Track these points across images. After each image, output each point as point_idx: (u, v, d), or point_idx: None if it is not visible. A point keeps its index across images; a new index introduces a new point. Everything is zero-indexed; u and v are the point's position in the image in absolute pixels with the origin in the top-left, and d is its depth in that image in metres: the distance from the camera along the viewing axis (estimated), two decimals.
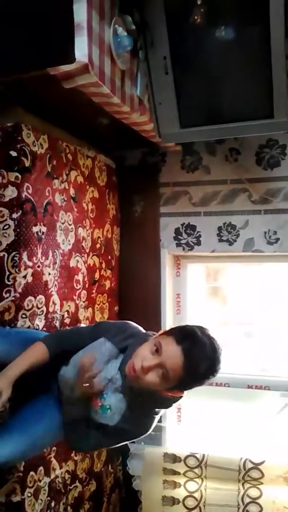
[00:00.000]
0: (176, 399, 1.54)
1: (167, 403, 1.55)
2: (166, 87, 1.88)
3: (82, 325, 1.67)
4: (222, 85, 1.91)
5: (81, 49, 1.43)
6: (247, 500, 2.34)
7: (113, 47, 1.60)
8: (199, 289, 2.93)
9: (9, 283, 1.72)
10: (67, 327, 2.07)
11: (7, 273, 1.71)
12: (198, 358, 1.37)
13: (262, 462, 2.31)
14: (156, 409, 1.56)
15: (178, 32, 1.79)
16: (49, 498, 1.94)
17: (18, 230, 1.73)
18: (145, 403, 1.51)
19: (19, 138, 1.73)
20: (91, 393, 1.53)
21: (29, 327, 1.80)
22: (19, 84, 1.66)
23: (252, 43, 1.80)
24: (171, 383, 1.40)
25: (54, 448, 1.95)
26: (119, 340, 1.56)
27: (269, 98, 1.82)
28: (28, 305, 1.79)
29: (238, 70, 1.85)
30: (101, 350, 1.54)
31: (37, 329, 1.86)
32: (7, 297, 1.71)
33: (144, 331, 1.64)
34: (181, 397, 1.53)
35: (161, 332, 1.50)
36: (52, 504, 1.96)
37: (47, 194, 1.90)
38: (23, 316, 1.77)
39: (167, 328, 1.52)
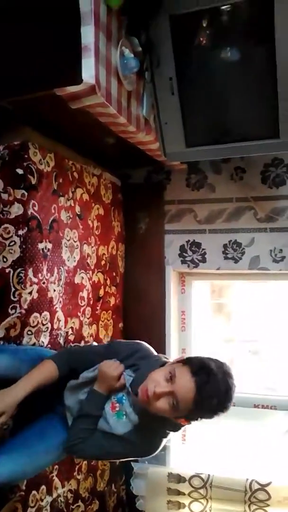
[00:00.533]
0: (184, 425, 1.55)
1: (176, 427, 1.56)
2: (172, 107, 1.91)
3: (94, 343, 1.67)
4: (228, 105, 1.93)
5: (88, 71, 1.45)
6: None
7: (120, 69, 1.62)
8: (204, 306, 2.93)
9: (14, 299, 1.72)
10: (71, 344, 2.07)
11: (13, 289, 1.72)
12: (210, 394, 1.37)
13: (269, 483, 2.27)
14: (166, 431, 1.57)
15: (184, 53, 1.81)
16: None
17: (24, 246, 1.74)
18: (155, 422, 1.52)
19: (26, 156, 1.76)
20: (114, 387, 1.55)
21: (34, 344, 1.80)
22: (27, 104, 1.68)
23: (257, 64, 1.82)
24: (179, 413, 1.41)
25: (57, 466, 1.93)
26: (132, 363, 1.57)
27: (275, 118, 1.83)
28: (33, 322, 1.80)
29: (243, 90, 1.87)
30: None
31: (42, 346, 1.85)
32: (12, 314, 1.72)
33: (155, 353, 1.64)
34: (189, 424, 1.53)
35: (178, 358, 1.51)
36: None
37: (53, 211, 1.91)
38: (29, 332, 1.78)
39: (185, 356, 1.54)
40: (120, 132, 1.83)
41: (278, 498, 2.26)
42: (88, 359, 1.62)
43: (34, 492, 1.79)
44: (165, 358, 1.61)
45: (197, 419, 1.47)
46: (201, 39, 1.79)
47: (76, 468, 2.10)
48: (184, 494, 2.39)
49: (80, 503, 2.14)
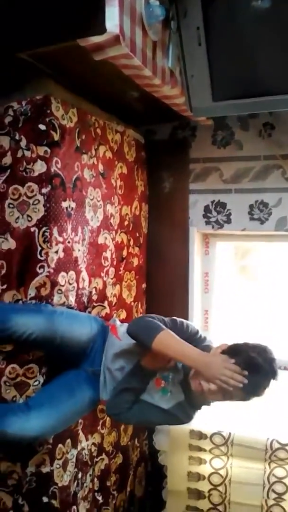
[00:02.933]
0: None
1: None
2: (199, 59, 1.82)
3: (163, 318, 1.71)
4: (257, 57, 1.83)
5: (112, 20, 1.39)
6: (273, 479, 2.33)
7: (145, 17, 1.55)
8: (228, 268, 2.90)
9: (42, 258, 1.73)
10: (95, 304, 2.08)
11: (39, 248, 1.72)
12: (259, 388, 1.54)
13: None
14: (203, 405, 1.71)
15: (211, 1, 1.72)
16: (76, 470, 1.98)
17: (48, 205, 1.73)
18: (198, 400, 1.66)
19: (48, 111, 1.72)
20: (162, 368, 1.63)
21: (64, 303, 1.82)
22: (49, 56, 1.63)
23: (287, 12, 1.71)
24: (228, 400, 1.58)
25: (81, 420, 1.98)
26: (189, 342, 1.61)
27: None
28: (62, 281, 1.80)
29: (274, 41, 1.77)
30: None
31: (71, 306, 1.87)
32: (41, 273, 1.72)
33: (196, 329, 1.73)
34: None
35: (223, 346, 1.60)
36: (79, 475, 2.01)
37: (76, 169, 1.88)
38: (59, 291, 1.79)
39: (229, 344, 1.62)
40: (145, 85, 1.77)
41: None
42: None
43: (60, 445, 1.85)
44: (209, 341, 1.72)
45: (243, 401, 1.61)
46: None
47: (100, 423, 2.15)
48: (205, 450, 2.43)
49: (104, 456, 2.21)
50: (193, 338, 1.66)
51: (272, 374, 1.54)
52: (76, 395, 1.67)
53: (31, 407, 1.63)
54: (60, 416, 1.61)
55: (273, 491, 2.33)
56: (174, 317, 1.71)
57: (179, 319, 1.71)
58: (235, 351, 1.56)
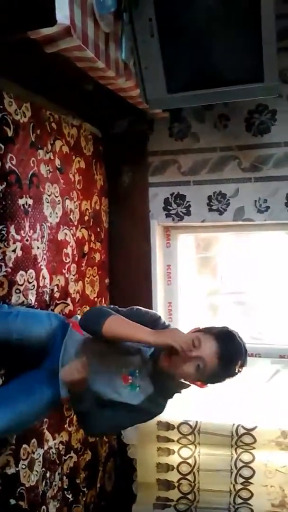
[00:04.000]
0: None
1: (183, 388, 1.66)
2: (152, 50, 1.80)
3: (118, 308, 1.68)
4: (210, 47, 1.83)
5: (62, 11, 1.36)
6: (240, 464, 2.39)
7: (96, 8, 1.52)
8: (189, 260, 2.92)
9: None
10: (57, 301, 2.05)
11: None
12: (233, 358, 1.52)
13: (254, 428, 2.35)
14: (174, 393, 1.67)
15: None
16: (44, 469, 1.96)
17: (3, 202, 1.68)
18: (169, 388, 1.64)
19: (1, 106, 1.67)
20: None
21: (23, 302, 1.78)
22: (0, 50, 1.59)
23: (241, 4, 1.72)
24: (202, 376, 1.53)
25: (47, 420, 1.96)
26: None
27: (259, 61, 1.75)
28: (20, 280, 1.76)
29: (226, 32, 1.78)
30: None
31: (30, 304, 1.84)
32: None
33: (157, 316, 1.69)
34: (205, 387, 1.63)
35: (196, 328, 1.59)
36: (48, 474, 1.99)
37: (32, 165, 1.84)
38: (17, 291, 1.75)
39: (201, 326, 1.61)
40: (99, 77, 1.74)
41: (263, 442, 2.35)
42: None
43: (24, 445, 1.83)
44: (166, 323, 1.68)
45: (214, 382, 1.58)
46: None
47: (68, 421, 2.14)
48: (173, 441, 2.47)
49: (72, 454, 2.20)
50: (155, 324, 1.62)
51: (243, 348, 1.54)
52: (34, 394, 1.60)
53: None
54: (15, 417, 1.53)
55: (241, 475, 2.39)
56: (133, 306, 1.69)
57: (136, 307, 1.68)
58: (208, 329, 1.56)
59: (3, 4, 1.39)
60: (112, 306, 1.68)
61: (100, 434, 2.08)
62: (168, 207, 2.55)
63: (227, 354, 1.50)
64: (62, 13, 1.36)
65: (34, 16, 1.40)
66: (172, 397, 1.68)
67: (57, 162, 2.04)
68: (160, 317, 1.70)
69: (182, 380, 1.60)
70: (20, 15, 1.41)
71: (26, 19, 1.42)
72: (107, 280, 2.59)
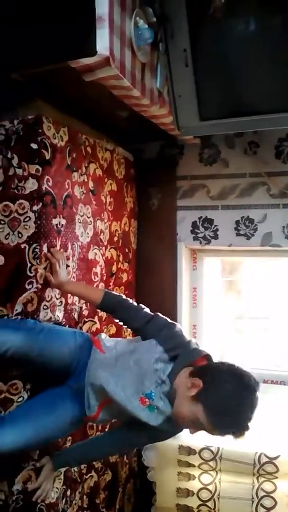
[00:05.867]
0: None
1: None
2: (186, 79, 1.87)
3: (146, 309, 1.71)
4: (242, 77, 1.89)
5: (103, 42, 1.43)
6: (261, 493, 2.34)
7: (134, 40, 1.60)
8: (215, 283, 2.93)
9: (31, 274, 1.73)
10: (85, 319, 2.09)
11: (29, 264, 1.73)
12: (227, 433, 1.50)
13: (278, 457, 2.31)
14: None
15: (198, 24, 1.78)
16: (64, 487, 1.96)
17: (38, 222, 1.74)
18: None
19: (40, 130, 1.74)
20: None
21: (50, 318, 1.82)
22: (40, 76, 1.67)
23: (273, 35, 1.78)
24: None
25: (70, 438, 1.97)
26: (170, 347, 1.59)
27: None
28: (48, 296, 1.81)
29: (258, 62, 1.83)
30: (151, 349, 1.59)
31: (58, 321, 1.87)
32: (29, 288, 1.73)
33: (187, 339, 1.66)
34: None
35: (202, 358, 1.58)
36: (68, 492, 1.99)
37: (67, 186, 1.91)
38: (45, 307, 1.79)
39: (208, 357, 1.60)
40: (134, 105, 1.81)
41: (286, 471, 2.29)
42: (129, 318, 1.69)
43: None
44: (196, 344, 1.65)
45: None
46: (216, 9, 1.74)
47: None
48: (194, 466, 2.43)
49: (93, 473, 2.20)
50: (176, 341, 1.62)
51: (244, 419, 1.48)
52: (57, 411, 1.63)
53: (6, 421, 1.60)
54: (35, 432, 1.56)
55: (262, 505, 2.34)
56: (160, 315, 1.70)
57: (159, 316, 1.69)
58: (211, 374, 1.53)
59: (48, 33, 1.47)
60: (139, 305, 1.73)
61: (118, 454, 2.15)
62: (196, 230, 2.59)
63: (221, 431, 1.50)
64: (102, 44, 1.44)
65: (76, 46, 1.47)
66: None
67: (90, 184, 2.11)
68: (179, 335, 1.65)
69: None
70: (62, 45, 1.49)
71: (67, 49, 1.49)
72: (133, 300, 2.62)
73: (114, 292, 1.81)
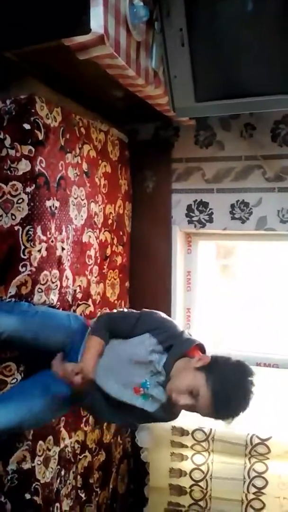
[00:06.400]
0: None
1: None
2: (182, 59, 1.84)
3: (129, 310, 1.73)
4: (239, 58, 1.86)
5: (97, 20, 1.40)
6: (253, 474, 2.38)
7: (129, 18, 1.56)
8: (209, 267, 2.93)
9: (24, 257, 1.73)
10: (79, 302, 2.09)
11: (22, 247, 1.72)
12: (226, 418, 1.53)
13: (269, 438, 2.34)
14: None
15: (195, 3, 1.74)
16: (59, 467, 1.99)
17: (32, 204, 1.73)
18: None
19: (33, 110, 1.72)
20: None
21: (44, 301, 1.82)
22: (34, 55, 1.64)
23: (270, 15, 1.74)
24: (201, 413, 1.55)
25: (63, 418, 1.99)
26: (163, 338, 1.61)
27: (287, 73, 1.77)
28: (43, 280, 1.80)
29: (255, 43, 1.80)
30: (145, 343, 1.60)
31: (52, 304, 1.87)
32: (23, 271, 1.73)
33: (180, 329, 1.68)
34: None
35: (205, 361, 1.55)
36: (62, 472, 2.01)
37: (60, 168, 1.89)
38: (39, 290, 1.79)
39: (215, 354, 1.59)
40: (129, 85, 1.78)
41: (278, 452, 2.33)
42: (120, 329, 1.67)
43: (40, 442, 1.85)
44: (189, 334, 1.66)
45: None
46: None
47: (84, 420, 2.17)
48: (187, 446, 2.47)
49: (87, 453, 2.22)
50: (170, 333, 1.64)
51: (243, 395, 1.51)
52: (51, 391, 1.63)
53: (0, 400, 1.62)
54: (29, 411, 1.57)
55: (253, 485, 2.38)
56: (149, 312, 1.70)
57: (152, 312, 1.70)
58: (215, 369, 1.53)
59: (41, 11, 1.44)
60: (122, 310, 1.73)
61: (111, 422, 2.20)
62: (191, 213, 2.58)
63: (220, 415, 1.52)
64: (97, 22, 1.40)
65: (70, 24, 1.44)
66: None
67: (84, 166, 2.09)
68: (172, 326, 1.67)
69: None
70: (56, 23, 1.46)
71: (61, 27, 1.46)
72: (127, 284, 2.62)
73: (93, 321, 1.77)
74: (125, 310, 1.74)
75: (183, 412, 1.69)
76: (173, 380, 1.56)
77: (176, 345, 1.60)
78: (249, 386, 1.52)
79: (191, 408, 1.54)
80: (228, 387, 1.49)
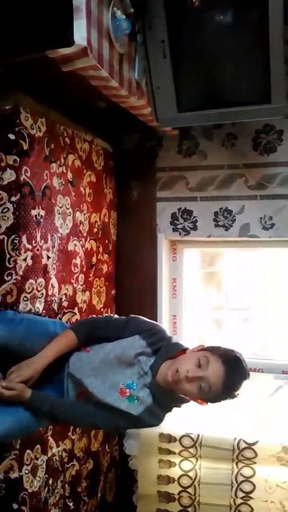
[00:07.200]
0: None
1: (183, 403, 1.65)
2: (164, 71, 1.88)
3: (115, 316, 1.73)
4: (220, 69, 1.91)
5: (80, 32, 1.43)
6: (240, 478, 2.40)
7: (112, 30, 1.60)
8: (195, 275, 2.96)
9: (10, 266, 1.74)
10: (65, 310, 2.10)
11: (8, 256, 1.73)
12: (238, 384, 1.54)
13: (256, 443, 2.36)
14: (173, 406, 1.67)
15: (176, 15, 1.78)
16: (46, 476, 1.98)
17: (17, 213, 1.74)
18: (167, 401, 1.63)
19: (18, 121, 1.74)
20: None
21: (30, 310, 1.83)
22: (18, 67, 1.65)
23: (250, 27, 1.79)
24: (205, 396, 1.53)
25: (51, 427, 1.99)
26: (153, 341, 1.62)
27: (267, 83, 1.81)
28: (29, 288, 1.82)
29: (236, 55, 1.85)
30: (134, 345, 1.60)
31: (38, 312, 1.88)
32: (8, 280, 1.73)
33: (168, 334, 1.69)
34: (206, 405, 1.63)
35: (202, 347, 1.60)
36: (50, 481, 2.01)
37: (45, 177, 1.91)
38: (25, 299, 1.80)
39: (207, 345, 1.62)
40: (112, 96, 1.81)
41: (264, 456, 2.35)
42: (108, 331, 1.67)
43: (28, 451, 1.85)
44: (177, 340, 1.68)
45: (215, 402, 1.58)
46: (194, 0, 1.75)
47: (71, 429, 2.17)
48: (174, 453, 2.48)
49: (75, 462, 2.22)
50: (158, 336, 1.64)
51: (247, 371, 1.56)
52: None
53: None
54: (16, 421, 1.55)
55: (241, 490, 2.40)
56: (131, 316, 1.71)
57: (134, 316, 1.70)
58: (215, 349, 1.57)
59: (25, 23, 1.46)
60: (108, 315, 1.74)
61: (94, 428, 2.18)
62: (175, 221, 2.61)
63: (232, 380, 1.51)
64: (80, 35, 1.43)
65: (53, 36, 1.46)
66: (170, 411, 1.67)
67: (69, 175, 2.11)
68: (160, 330, 1.67)
69: (183, 396, 1.60)
70: (40, 35, 1.48)
71: (45, 39, 1.48)
72: (113, 292, 2.64)
73: (77, 322, 1.79)
74: (112, 315, 1.73)
75: (170, 418, 1.69)
76: (174, 363, 1.55)
77: (164, 348, 1.61)
78: (246, 367, 1.57)
79: (199, 380, 1.49)
80: (234, 354, 1.55)
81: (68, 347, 1.65)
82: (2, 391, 1.51)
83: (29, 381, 1.55)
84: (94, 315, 1.99)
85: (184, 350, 1.63)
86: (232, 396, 1.56)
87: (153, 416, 1.63)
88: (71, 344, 1.65)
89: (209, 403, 1.60)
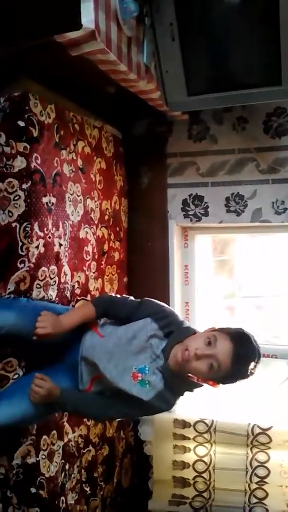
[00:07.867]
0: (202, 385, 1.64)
1: (195, 387, 1.65)
2: (173, 54, 1.85)
3: (131, 297, 1.73)
4: (230, 51, 1.87)
5: (88, 16, 1.42)
6: (255, 464, 2.40)
7: (120, 13, 1.58)
8: (206, 262, 2.95)
9: (22, 253, 1.74)
10: (78, 298, 2.10)
11: (20, 243, 1.74)
12: (247, 359, 1.53)
13: (270, 428, 2.37)
14: (185, 391, 1.67)
15: None
16: (63, 461, 2.01)
17: (28, 200, 1.74)
18: (179, 385, 1.63)
19: (27, 107, 1.73)
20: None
21: (43, 297, 1.84)
22: (26, 53, 1.64)
23: (259, 7, 1.76)
24: (215, 375, 1.52)
25: (66, 413, 2.00)
26: (164, 324, 1.62)
27: (277, 65, 1.78)
28: (41, 276, 1.82)
29: (246, 36, 1.81)
30: (146, 328, 1.61)
31: (51, 299, 1.89)
32: (22, 267, 1.74)
33: (181, 318, 1.70)
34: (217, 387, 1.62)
35: (212, 328, 1.60)
36: (67, 466, 2.04)
37: (56, 164, 1.90)
38: (38, 286, 1.81)
39: (217, 326, 1.62)
40: (121, 80, 1.80)
41: (279, 441, 2.36)
42: (124, 311, 1.69)
43: (44, 436, 1.87)
44: (193, 328, 1.67)
45: (226, 382, 1.57)
46: None
47: None
48: (189, 438, 2.49)
49: (91, 447, 2.24)
50: (170, 319, 1.65)
51: (258, 354, 1.55)
52: None
53: (2, 396, 1.64)
54: (32, 406, 1.57)
55: (256, 475, 2.41)
56: (149, 299, 1.72)
57: (148, 299, 1.72)
58: (224, 329, 1.57)
59: (32, 8, 1.45)
60: (124, 296, 1.75)
61: (107, 420, 2.22)
62: (186, 208, 2.59)
63: (241, 355, 1.50)
64: (88, 18, 1.42)
65: (61, 20, 1.45)
66: (182, 395, 1.67)
67: (79, 162, 2.10)
68: (172, 314, 1.68)
69: (193, 377, 1.60)
70: (47, 19, 1.47)
71: (52, 23, 1.47)
72: (125, 279, 2.64)
73: (97, 297, 1.83)
74: (128, 296, 1.74)
75: (184, 403, 1.69)
76: (184, 343, 1.55)
77: (176, 331, 1.62)
78: (256, 344, 1.57)
79: (208, 358, 1.49)
80: (243, 332, 1.57)
81: (87, 319, 1.69)
82: (36, 389, 1.55)
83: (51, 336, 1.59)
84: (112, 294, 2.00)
85: (195, 333, 1.63)
86: (244, 375, 1.54)
87: (163, 401, 1.62)
88: (89, 317, 1.69)
89: (221, 384, 1.58)
